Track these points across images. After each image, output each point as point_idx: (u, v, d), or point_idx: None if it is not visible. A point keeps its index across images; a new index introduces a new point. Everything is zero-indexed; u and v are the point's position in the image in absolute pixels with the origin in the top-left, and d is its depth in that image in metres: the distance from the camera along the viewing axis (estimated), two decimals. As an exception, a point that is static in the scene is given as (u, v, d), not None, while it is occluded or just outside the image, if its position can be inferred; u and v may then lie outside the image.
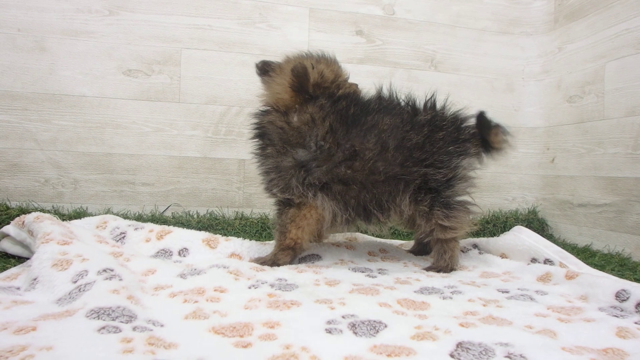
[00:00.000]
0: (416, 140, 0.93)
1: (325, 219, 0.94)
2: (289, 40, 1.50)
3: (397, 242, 1.27)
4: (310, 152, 0.91)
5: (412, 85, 1.56)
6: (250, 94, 1.51)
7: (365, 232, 1.30)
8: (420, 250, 1.13)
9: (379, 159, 0.91)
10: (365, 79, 1.45)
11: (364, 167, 0.91)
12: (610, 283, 0.77)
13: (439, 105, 0.99)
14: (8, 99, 1.31)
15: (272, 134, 0.94)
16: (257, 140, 0.97)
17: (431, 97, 0.99)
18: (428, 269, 0.97)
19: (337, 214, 0.92)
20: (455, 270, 0.97)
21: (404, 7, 1.58)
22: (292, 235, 0.94)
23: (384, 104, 0.96)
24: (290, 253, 0.95)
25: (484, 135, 0.98)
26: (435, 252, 0.98)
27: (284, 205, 0.94)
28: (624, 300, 0.72)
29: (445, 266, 0.96)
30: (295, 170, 0.91)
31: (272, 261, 0.94)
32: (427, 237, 0.98)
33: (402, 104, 0.97)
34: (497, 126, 0.98)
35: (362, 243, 1.19)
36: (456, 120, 0.98)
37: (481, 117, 0.99)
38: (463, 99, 1.63)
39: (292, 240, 0.94)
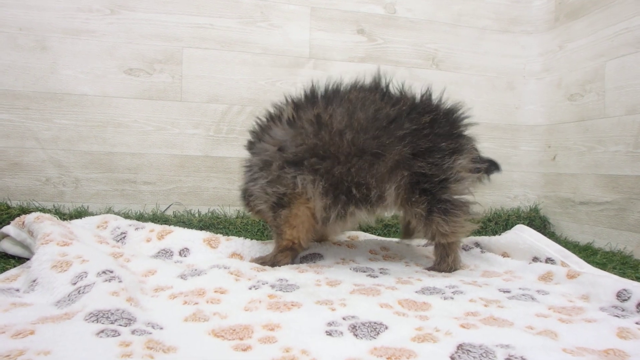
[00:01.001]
0: (388, 112, 0.89)
1: (316, 208, 0.91)
2: (291, 39, 1.49)
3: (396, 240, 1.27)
4: (284, 129, 0.92)
5: (414, 83, 1.54)
6: (251, 93, 1.50)
7: (366, 231, 1.30)
8: (407, 233, 1.13)
9: (347, 129, 0.88)
10: (367, 78, 1.44)
11: (331, 137, 0.88)
12: (612, 282, 0.76)
13: (432, 99, 0.97)
14: (10, 98, 1.31)
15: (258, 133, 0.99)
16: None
17: (426, 92, 0.96)
18: (430, 269, 0.97)
19: (323, 198, 0.90)
20: (458, 270, 0.96)
21: (405, 6, 1.58)
22: (287, 236, 0.93)
23: (358, 85, 0.96)
24: (289, 254, 0.95)
25: (489, 172, 1.03)
26: (437, 254, 0.97)
27: (276, 208, 0.93)
28: (625, 300, 0.72)
29: (448, 269, 0.96)
30: (276, 154, 0.92)
31: (272, 262, 0.94)
32: (429, 240, 0.97)
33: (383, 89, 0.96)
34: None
35: (363, 242, 1.19)
36: (449, 113, 0.94)
37: (496, 165, 1.06)
38: (464, 97, 1.63)
39: (288, 240, 0.94)
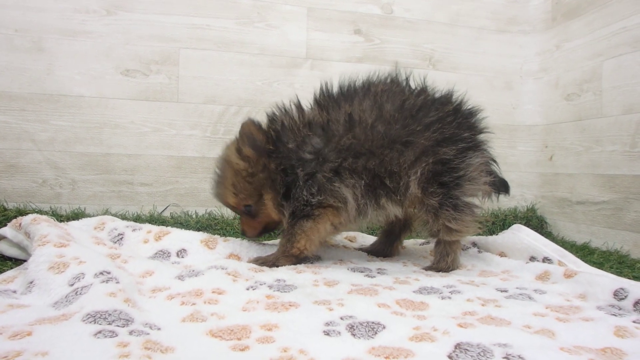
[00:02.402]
0: (415, 102, 0.93)
1: (350, 213, 0.92)
2: (288, 39, 1.49)
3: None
4: (321, 137, 0.91)
5: (411, 83, 1.55)
6: (249, 94, 1.50)
7: (363, 231, 1.30)
8: (382, 250, 1.10)
9: (378, 122, 0.91)
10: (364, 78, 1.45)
11: (365, 133, 0.90)
12: (609, 281, 0.77)
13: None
14: (5, 99, 1.30)
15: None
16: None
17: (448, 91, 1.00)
18: (428, 269, 0.97)
19: (362, 198, 0.91)
20: (456, 269, 0.97)
21: (402, 6, 1.58)
22: (299, 245, 0.93)
23: (376, 80, 0.99)
24: (292, 260, 0.95)
25: (497, 190, 1.05)
26: (437, 253, 0.98)
27: (301, 217, 0.92)
28: (622, 298, 0.72)
29: (446, 268, 0.96)
30: (318, 164, 0.91)
31: (273, 263, 0.94)
32: (432, 237, 0.98)
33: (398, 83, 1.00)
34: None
35: (361, 243, 1.19)
36: (473, 109, 0.99)
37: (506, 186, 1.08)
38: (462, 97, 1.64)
39: (298, 249, 0.94)
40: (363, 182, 0.90)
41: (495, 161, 1.05)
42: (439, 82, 1.61)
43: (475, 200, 0.98)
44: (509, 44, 1.67)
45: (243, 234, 1.04)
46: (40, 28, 1.32)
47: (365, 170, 0.91)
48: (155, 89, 1.40)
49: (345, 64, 1.54)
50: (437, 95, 0.98)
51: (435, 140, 0.91)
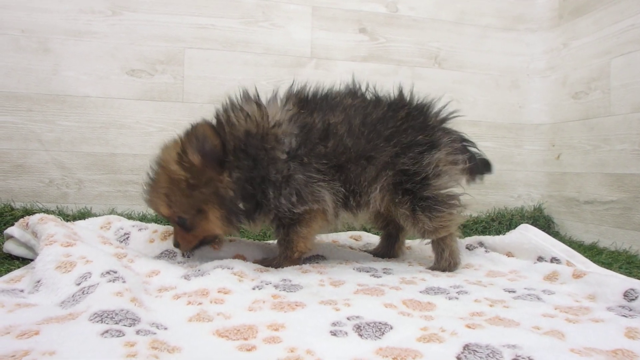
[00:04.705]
0: (376, 115, 0.91)
1: (328, 213, 0.90)
2: (292, 38, 1.49)
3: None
4: (296, 137, 0.86)
5: (416, 82, 1.54)
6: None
7: (369, 231, 1.29)
8: (386, 252, 1.09)
9: (348, 135, 0.89)
10: (369, 77, 1.44)
11: (336, 145, 0.88)
12: (619, 282, 0.76)
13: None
14: (12, 100, 1.31)
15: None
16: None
17: (399, 89, 1.00)
18: (432, 269, 0.96)
19: (334, 200, 0.89)
20: (458, 264, 0.95)
21: (407, 4, 1.57)
22: (300, 249, 0.93)
23: (345, 91, 0.97)
24: (296, 262, 0.95)
25: (479, 171, 1.03)
26: (434, 252, 0.97)
27: (291, 224, 0.90)
28: (633, 299, 0.71)
29: (447, 265, 0.95)
30: (294, 162, 0.86)
31: (277, 266, 0.93)
32: (422, 238, 0.96)
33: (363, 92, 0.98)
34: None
35: (366, 242, 1.19)
36: (422, 106, 0.97)
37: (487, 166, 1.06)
38: (468, 96, 1.62)
39: (300, 252, 0.94)
40: (335, 188, 0.88)
41: (469, 141, 1.02)
42: (445, 81, 1.62)
43: (455, 189, 0.95)
44: (516, 42, 1.66)
45: (176, 246, 0.92)
46: (46, 29, 1.33)
47: (337, 180, 0.89)
48: (160, 88, 1.41)
49: (350, 63, 1.53)
50: (390, 101, 0.96)
51: (395, 153, 0.90)
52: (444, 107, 0.99)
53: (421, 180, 0.90)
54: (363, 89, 0.98)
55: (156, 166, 0.88)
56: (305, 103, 0.92)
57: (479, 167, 1.04)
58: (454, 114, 0.99)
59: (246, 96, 0.90)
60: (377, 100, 0.96)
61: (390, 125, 0.91)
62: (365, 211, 0.94)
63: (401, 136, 0.91)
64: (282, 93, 0.95)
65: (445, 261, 0.95)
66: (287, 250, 0.93)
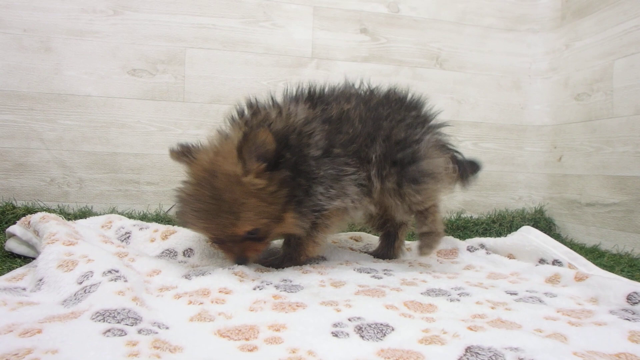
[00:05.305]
0: (376, 100, 0.98)
1: (349, 211, 0.91)
2: (293, 38, 1.49)
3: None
4: (323, 133, 0.88)
5: (417, 83, 1.54)
6: (254, 93, 1.50)
7: (370, 232, 1.29)
8: (386, 253, 1.09)
9: (359, 119, 0.93)
10: (370, 78, 1.44)
11: (351, 129, 0.91)
12: (622, 285, 0.75)
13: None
14: (14, 99, 1.31)
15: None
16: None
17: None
18: (419, 249, 0.94)
19: (358, 193, 0.90)
20: (441, 234, 0.96)
21: (408, 4, 1.57)
22: (308, 253, 0.92)
23: (343, 86, 1.01)
24: (298, 263, 0.95)
25: (469, 173, 1.07)
26: (417, 220, 0.97)
27: (312, 227, 0.88)
28: (636, 303, 0.71)
29: (428, 232, 0.94)
30: (328, 158, 0.87)
31: (278, 267, 0.93)
32: (407, 215, 0.97)
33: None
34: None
35: (367, 243, 1.19)
36: (417, 99, 1.02)
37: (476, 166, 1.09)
38: (469, 96, 1.62)
39: (306, 256, 0.93)
40: (360, 178, 0.90)
41: (456, 151, 1.07)
42: (446, 81, 1.62)
43: (441, 163, 0.97)
44: (517, 43, 1.65)
45: (242, 263, 0.85)
46: (48, 28, 1.33)
47: (360, 168, 0.91)
48: (161, 88, 1.41)
49: (351, 63, 1.53)
50: (382, 92, 1.02)
51: (390, 127, 0.94)
52: (433, 109, 1.04)
53: (412, 154, 0.93)
54: (357, 85, 1.03)
55: (219, 183, 0.79)
56: (319, 98, 0.95)
57: (467, 170, 1.07)
58: (444, 121, 1.05)
59: (250, 101, 0.92)
60: (372, 91, 1.02)
61: (387, 107, 0.97)
62: (372, 191, 0.94)
63: (396, 114, 0.96)
64: (292, 92, 0.97)
65: (427, 227, 0.95)
66: (294, 252, 0.93)
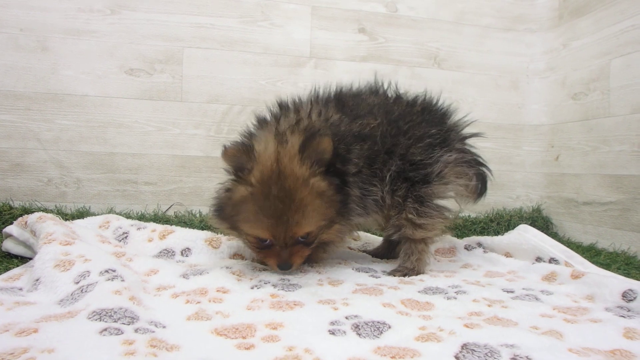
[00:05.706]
0: (398, 111, 0.94)
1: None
2: (292, 38, 1.49)
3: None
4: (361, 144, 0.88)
5: (416, 83, 1.55)
6: (252, 93, 1.50)
7: (368, 231, 1.29)
8: (385, 253, 1.08)
9: (381, 135, 0.90)
10: (368, 77, 1.44)
11: (374, 146, 0.89)
12: (617, 283, 0.76)
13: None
14: (11, 98, 1.31)
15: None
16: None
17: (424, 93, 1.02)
18: (392, 272, 0.91)
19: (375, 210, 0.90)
20: (422, 274, 0.91)
21: (407, 4, 1.57)
22: (318, 260, 0.94)
23: (367, 90, 1.00)
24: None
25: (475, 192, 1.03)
26: (403, 252, 0.93)
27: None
28: (631, 300, 0.71)
29: (411, 269, 0.91)
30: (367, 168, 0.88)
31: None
32: (395, 233, 0.93)
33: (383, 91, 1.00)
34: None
35: (365, 243, 1.19)
36: (444, 111, 0.99)
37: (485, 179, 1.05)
38: (467, 96, 1.63)
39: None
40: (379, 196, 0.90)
41: (484, 165, 1.02)
42: (444, 81, 1.62)
43: (449, 204, 0.95)
44: (515, 43, 1.66)
45: (286, 269, 0.85)
46: (45, 27, 1.32)
47: (378, 185, 0.90)
48: (159, 88, 1.40)
49: (350, 63, 1.53)
50: (409, 99, 0.99)
51: (408, 145, 0.91)
52: (464, 118, 1.00)
53: (426, 175, 0.90)
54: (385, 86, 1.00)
55: (284, 186, 0.79)
56: (351, 108, 0.92)
57: (481, 187, 1.04)
58: (474, 133, 1.02)
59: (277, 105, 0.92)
60: (398, 97, 0.98)
61: (408, 119, 0.93)
62: (384, 207, 0.92)
63: (415, 129, 0.92)
64: (305, 99, 0.95)
65: (410, 264, 0.91)
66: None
